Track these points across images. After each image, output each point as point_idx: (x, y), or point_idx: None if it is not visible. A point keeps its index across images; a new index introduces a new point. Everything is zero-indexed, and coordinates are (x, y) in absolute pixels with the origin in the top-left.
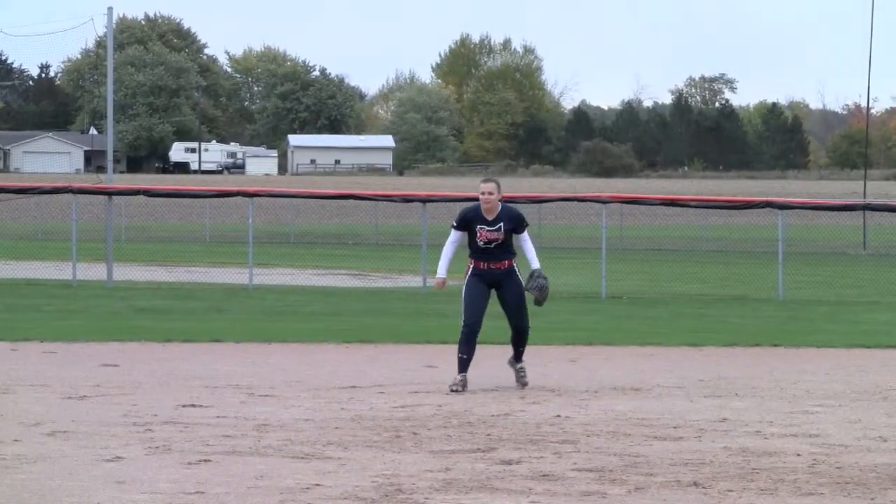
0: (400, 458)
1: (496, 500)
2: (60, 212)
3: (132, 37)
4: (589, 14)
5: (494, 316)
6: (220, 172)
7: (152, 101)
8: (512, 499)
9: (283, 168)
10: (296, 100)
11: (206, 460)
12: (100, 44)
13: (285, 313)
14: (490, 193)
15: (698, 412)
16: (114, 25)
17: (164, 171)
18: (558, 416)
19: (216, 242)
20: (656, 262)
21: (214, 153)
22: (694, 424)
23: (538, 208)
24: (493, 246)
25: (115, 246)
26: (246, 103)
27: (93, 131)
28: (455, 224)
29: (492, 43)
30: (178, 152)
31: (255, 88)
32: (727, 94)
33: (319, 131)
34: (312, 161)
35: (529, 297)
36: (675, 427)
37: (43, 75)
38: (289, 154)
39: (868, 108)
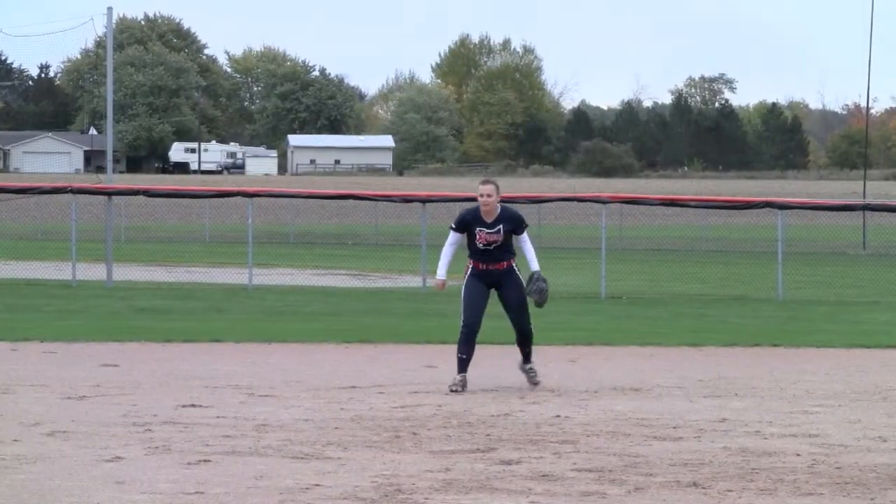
0: (400, 458)
1: (496, 501)
2: (60, 212)
3: (132, 37)
4: (589, 14)
5: (495, 316)
6: (219, 172)
7: (152, 101)
8: (512, 499)
9: (282, 168)
10: (296, 100)
11: (205, 460)
12: (100, 44)
13: (285, 313)
14: (489, 196)
15: (698, 412)
16: (114, 25)
17: (164, 171)
18: (558, 416)
19: (216, 242)
20: (656, 262)
21: (214, 153)
22: (693, 424)
23: (538, 208)
24: (492, 248)
25: (114, 246)
26: (246, 103)
27: (92, 131)
28: (454, 226)
29: (491, 43)
30: (177, 152)
31: (255, 88)
32: (727, 94)
33: (319, 131)
34: (312, 161)
35: (530, 298)
36: (674, 427)
37: (43, 75)
38: (288, 154)
39: (868, 108)
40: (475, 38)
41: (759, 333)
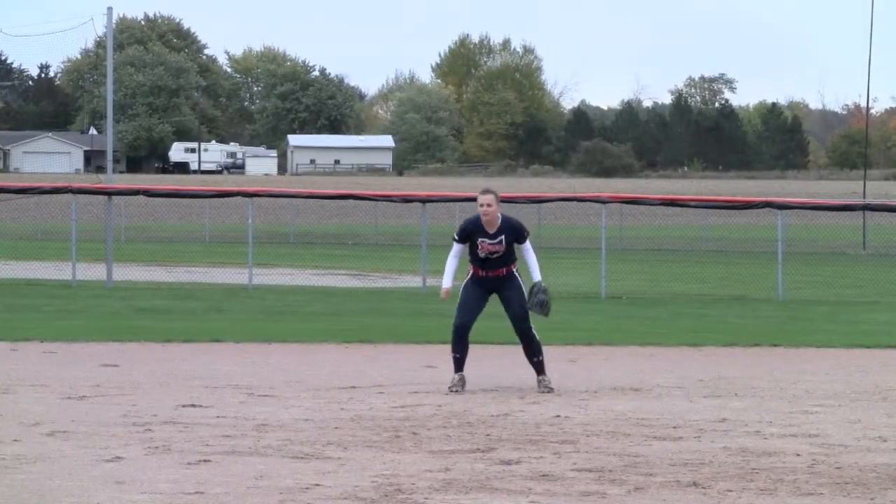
0: (399, 458)
1: (496, 500)
2: (60, 212)
3: (132, 37)
4: (589, 14)
5: (495, 316)
6: (219, 172)
7: (152, 101)
8: (511, 499)
9: (282, 168)
10: (295, 100)
11: (205, 460)
12: (100, 44)
13: (285, 313)
14: (489, 205)
15: (698, 412)
16: (113, 25)
17: (164, 171)
18: (558, 416)
19: (216, 242)
20: (656, 262)
21: (214, 153)
22: (693, 424)
23: (538, 208)
24: (494, 257)
25: (114, 246)
26: (246, 103)
27: (92, 131)
28: (457, 237)
29: (491, 43)
30: (177, 152)
31: (255, 88)
32: (727, 94)
33: (319, 131)
34: (312, 161)
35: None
36: (674, 427)
37: (43, 75)
38: (288, 154)
39: (868, 108)
40: (475, 38)
41: (759, 333)
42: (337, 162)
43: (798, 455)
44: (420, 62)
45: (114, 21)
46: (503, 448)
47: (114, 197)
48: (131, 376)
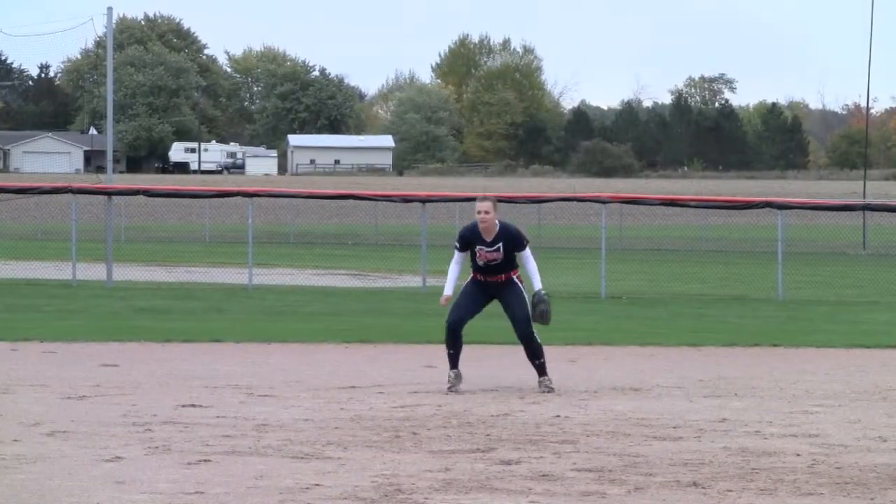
0: (399, 458)
1: (496, 500)
2: (60, 212)
3: (132, 37)
4: (589, 14)
5: (495, 316)
6: (219, 172)
7: (152, 101)
8: (511, 499)
9: (282, 168)
10: (295, 100)
11: (205, 460)
12: (99, 44)
13: (285, 313)
14: (487, 212)
15: (698, 412)
16: (113, 25)
17: (164, 171)
18: (558, 416)
19: (216, 242)
20: (656, 262)
21: (214, 153)
22: (693, 424)
23: (538, 208)
24: (493, 264)
25: (114, 246)
26: (246, 103)
27: (92, 131)
28: (457, 245)
29: (491, 43)
30: (177, 152)
31: (255, 88)
32: (727, 94)
33: (319, 131)
34: (312, 161)
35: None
36: (674, 427)
37: (43, 75)
38: (288, 154)
39: (868, 108)
40: (475, 38)
41: (759, 333)
42: (337, 162)
43: (798, 455)
44: (420, 62)
45: (114, 21)
46: (503, 448)
47: (114, 197)
48: (131, 376)
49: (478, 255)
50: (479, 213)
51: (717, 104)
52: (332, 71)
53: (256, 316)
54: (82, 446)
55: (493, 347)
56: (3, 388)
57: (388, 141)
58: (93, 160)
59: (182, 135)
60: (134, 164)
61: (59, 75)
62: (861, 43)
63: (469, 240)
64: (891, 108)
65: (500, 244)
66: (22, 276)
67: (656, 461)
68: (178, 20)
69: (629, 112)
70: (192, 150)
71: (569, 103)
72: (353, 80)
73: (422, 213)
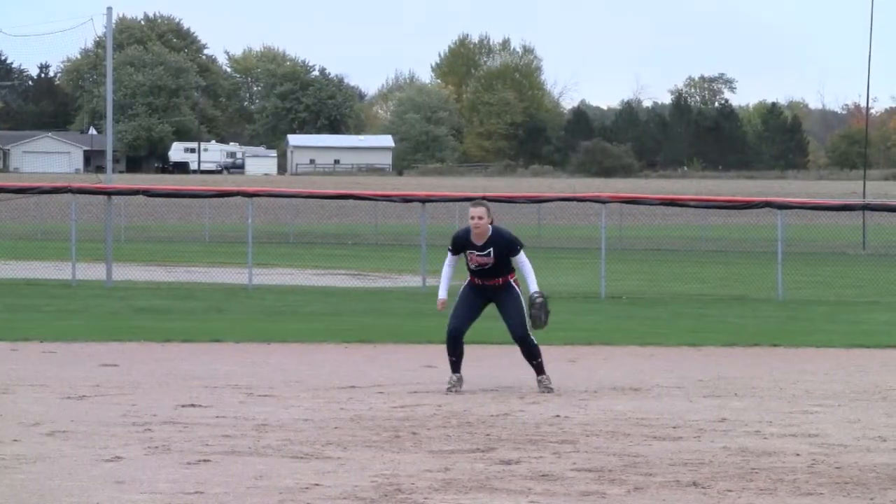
0: (399, 457)
1: (495, 500)
2: (60, 212)
3: (132, 37)
4: (589, 14)
5: (495, 317)
6: (219, 172)
7: (152, 101)
8: (511, 499)
9: (282, 168)
10: (295, 100)
11: (205, 460)
12: (99, 44)
13: (285, 313)
14: (480, 218)
15: (697, 412)
16: (113, 25)
17: (164, 171)
18: (557, 416)
19: (216, 242)
20: (656, 262)
21: (214, 153)
22: (693, 424)
23: (538, 208)
24: (486, 268)
25: (114, 246)
26: (245, 103)
27: (92, 131)
28: (451, 248)
29: (491, 43)
30: (177, 152)
31: (255, 88)
32: (727, 94)
33: (319, 131)
34: (312, 161)
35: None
36: (674, 427)
37: (42, 75)
38: (288, 154)
39: (868, 108)
40: (475, 38)
41: (759, 333)
42: (337, 162)
43: (798, 455)
44: (420, 62)
45: (113, 21)
46: (503, 448)
47: (114, 197)
48: (131, 376)
49: (469, 258)
50: (472, 218)
51: (716, 104)
52: (332, 71)
53: (256, 316)
54: (82, 446)
55: (493, 347)
56: (3, 388)
57: (387, 141)
58: (92, 160)
59: (182, 135)
60: (134, 164)
61: (58, 75)
62: (861, 43)
63: (462, 244)
64: (891, 108)
65: (491, 249)
66: (22, 276)
67: (656, 461)
68: (177, 20)
69: (629, 112)
70: (192, 150)
71: (569, 103)
72: (352, 80)
73: (421, 213)
